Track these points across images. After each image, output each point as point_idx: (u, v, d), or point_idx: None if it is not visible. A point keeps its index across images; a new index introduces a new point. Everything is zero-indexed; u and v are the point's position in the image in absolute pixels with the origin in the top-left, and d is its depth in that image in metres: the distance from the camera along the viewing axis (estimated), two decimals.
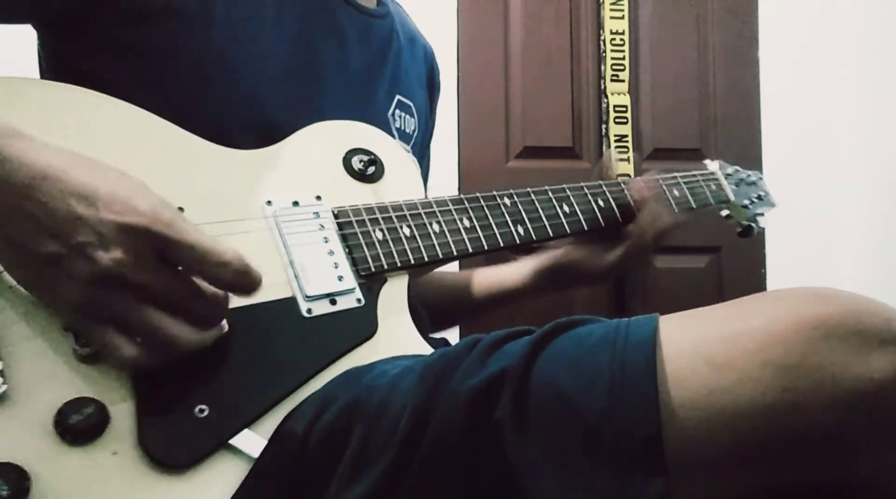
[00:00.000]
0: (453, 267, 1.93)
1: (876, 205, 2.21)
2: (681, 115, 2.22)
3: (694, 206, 1.00)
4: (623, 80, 2.17)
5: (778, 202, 1.14)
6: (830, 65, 2.30)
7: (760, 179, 1.14)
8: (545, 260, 0.97)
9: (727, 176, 1.08)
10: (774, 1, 2.28)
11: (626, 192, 0.91)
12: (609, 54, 2.17)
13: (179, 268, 0.53)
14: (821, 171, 2.23)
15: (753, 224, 1.10)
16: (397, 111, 0.90)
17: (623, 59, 2.17)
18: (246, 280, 0.54)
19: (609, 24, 2.18)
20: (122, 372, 0.53)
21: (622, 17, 2.19)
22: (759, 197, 1.10)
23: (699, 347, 0.47)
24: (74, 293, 0.49)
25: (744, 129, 2.25)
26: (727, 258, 2.20)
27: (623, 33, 2.18)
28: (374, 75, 0.87)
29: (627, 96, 2.16)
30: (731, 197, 1.06)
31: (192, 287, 0.53)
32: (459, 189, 2.08)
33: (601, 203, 0.89)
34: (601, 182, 0.91)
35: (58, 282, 0.49)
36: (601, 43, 2.18)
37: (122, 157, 0.55)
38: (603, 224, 0.88)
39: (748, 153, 2.20)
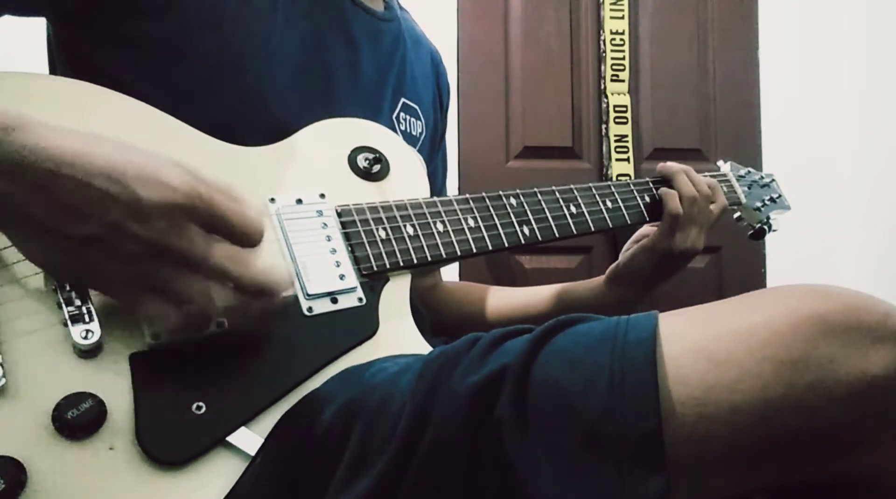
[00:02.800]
0: (453, 268, 1.93)
1: (876, 205, 2.21)
2: (681, 116, 2.22)
3: None
4: (623, 80, 2.17)
5: (802, 199, 1.14)
6: (830, 65, 2.30)
7: (774, 180, 1.13)
8: (612, 271, 0.99)
9: (739, 178, 1.08)
10: (774, 1, 2.28)
11: (633, 191, 0.91)
12: (609, 54, 2.17)
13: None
14: (821, 171, 2.23)
15: (766, 227, 1.09)
16: (402, 114, 0.90)
17: (623, 59, 2.17)
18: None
19: (609, 24, 2.18)
20: (119, 364, 0.53)
21: (622, 17, 2.19)
22: (772, 199, 1.10)
23: (699, 343, 0.47)
24: (116, 271, 0.50)
25: (744, 129, 2.25)
26: (727, 258, 2.20)
27: (623, 33, 2.18)
28: (381, 77, 0.87)
29: (627, 96, 2.16)
30: (743, 199, 1.06)
31: (234, 254, 0.53)
32: (459, 189, 2.08)
33: (609, 204, 0.89)
34: (610, 183, 0.91)
35: (97, 262, 0.50)
36: (601, 43, 2.18)
37: None
38: (611, 225, 0.88)
39: (748, 153, 2.20)
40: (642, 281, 0.97)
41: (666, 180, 0.96)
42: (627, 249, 0.98)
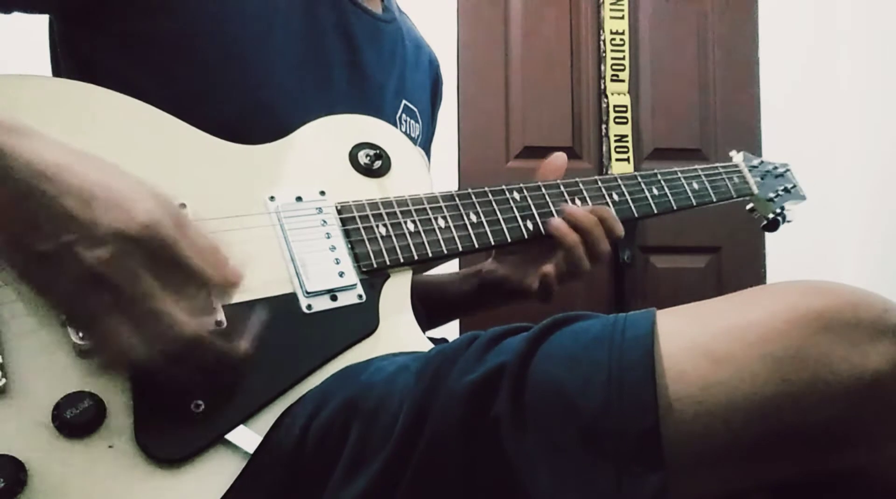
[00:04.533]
0: (454, 264, 1.93)
1: (876, 204, 2.21)
2: (681, 115, 2.22)
3: (714, 199, 0.97)
4: (623, 80, 2.17)
5: (808, 195, 1.10)
6: (830, 64, 2.30)
7: (789, 170, 1.10)
8: (475, 275, 0.94)
9: (752, 168, 1.05)
10: (774, 1, 2.28)
11: (641, 184, 0.88)
12: (609, 54, 2.17)
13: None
14: (820, 170, 2.23)
15: (780, 218, 1.07)
16: (404, 116, 0.90)
17: (623, 59, 2.17)
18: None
19: (609, 24, 2.18)
20: (114, 368, 0.53)
21: (622, 17, 2.19)
22: (787, 189, 1.07)
23: (697, 340, 0.47)
24: (62, 291, 0.49)
25: (744, 129, 2.26)
26: (727, 258, 2.20)
27: (623, 33, 2.18)
28: (383, 78, 0.87)
29: (627, 96, 2.16)
30: (755, 190, 1.03)
31: (177, 291, 0.51)
32: (459, 189, 2.08)
33: (616, 197, 0.87)
34: (617, 175, 0.89)
35: (48, 279, 0.49)
36: (601, 43, 2.18)
37: (125, 152, 0.55)
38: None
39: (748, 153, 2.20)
40: (495, 303, 0.94)
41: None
42: (498, 269, 0.92)
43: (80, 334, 0.52)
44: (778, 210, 1.07)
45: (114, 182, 0.50)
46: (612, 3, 2.18)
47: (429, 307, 0.94)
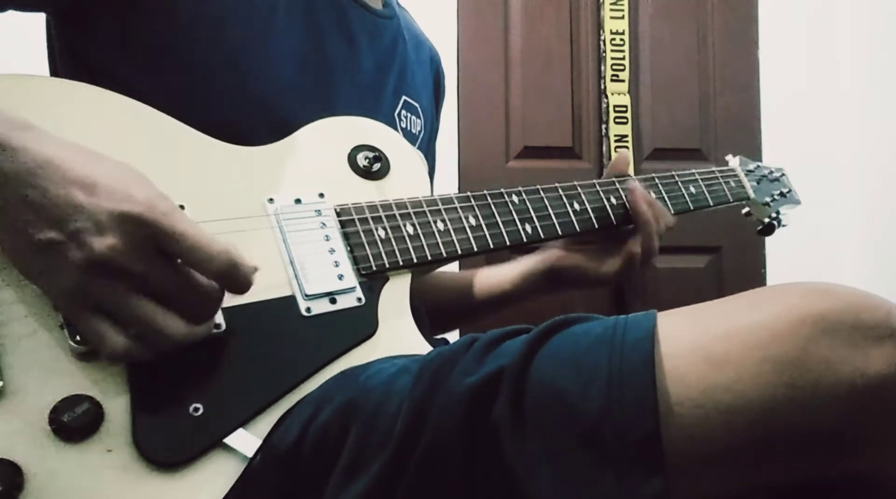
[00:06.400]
0: (453, 267, 1.93)
1: (876, 205, 2.21)
2: (681, 116, 2.22)
3: (711, 204, 0.98)
4: (623, 80, 2.16)
5: (802, 200, 1.11)
6: (830, 64, 2.30)
7: (784, 175, 1.11)
8: (540, 262, 0.95)
9: (748, 172, 1.06)
10: (775, 0, 2.28)
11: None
12: (609, 54, 2.16)
13: (178, 261, 0.53)
14: (821, 171, 2.23)
15: (775, 222, 1.07)
16: (403, 112, 0.90)
17: (623, 59, 2.17)
18: (234, 274, 0.53)
19: (609, 24, 2.17)
20: (115, 366, 0.53)
21: (622, 17, 2.18)
22: (783, 194, 1.08)
23: (698, 343, 0.47)
24: (67, 280, 0.50)
25: (744, 129, 2.25)
26: (727, 258, 2.20)
27: (623, 33, 2.18)
28: (381, 75, 0.87)
29: (627, 96, 2.16)
30: (751, 194, 1.04)
31: (184, 279, 0.53)
32: (459, 189, 2.08)
33: (613, 200, 0.87)
34: (614, 179, 0.89)
35: (53, 268, 0.50)
36: (601, 43, 2.18)
37: (124, 153, 0.55)
38: (615, 222, 0.87)
39: (748, 153, 2.18)
40: (562, 289, 0.96)
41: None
42: (570, 257, 0.93)
43: (78, 338, 0.52)
44: (774, 214, 1.07)
45: (109, 169, 0.51)
46: (612, 3, 2.18)
47: (478, 302, 0.99)
